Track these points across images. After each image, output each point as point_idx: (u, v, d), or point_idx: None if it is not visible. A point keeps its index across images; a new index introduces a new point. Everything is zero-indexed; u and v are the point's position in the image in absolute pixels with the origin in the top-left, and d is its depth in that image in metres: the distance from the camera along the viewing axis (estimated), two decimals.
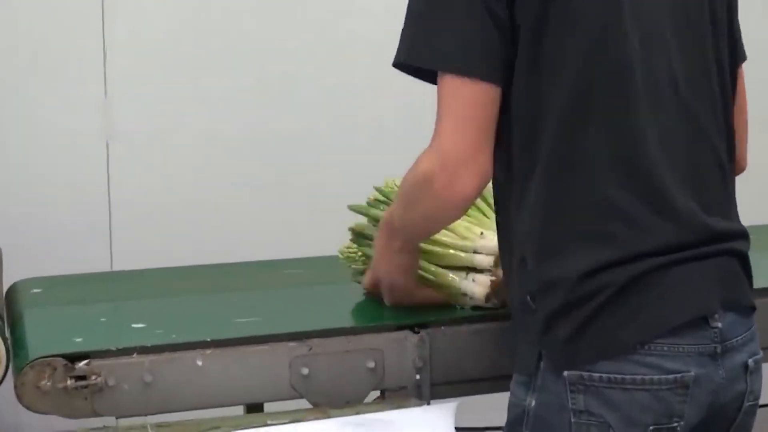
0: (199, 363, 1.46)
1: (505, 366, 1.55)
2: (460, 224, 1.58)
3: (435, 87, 1.33)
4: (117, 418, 1.51)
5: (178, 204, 2.46)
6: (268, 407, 1.58)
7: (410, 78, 1.38)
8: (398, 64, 1.35)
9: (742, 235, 1.40)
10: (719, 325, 1.31)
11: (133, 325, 1.61)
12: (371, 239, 1.64)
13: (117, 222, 2.41)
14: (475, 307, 1.60)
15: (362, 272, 1.69)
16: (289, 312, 1.63)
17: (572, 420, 1.27)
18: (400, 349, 1.52)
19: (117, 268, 2.36)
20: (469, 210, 1.56)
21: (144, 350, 1.49)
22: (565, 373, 1.27)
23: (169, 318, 1.68)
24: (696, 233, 1.32)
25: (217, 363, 1.48)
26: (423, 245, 1.57)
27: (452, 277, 1.60)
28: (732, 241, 1.37)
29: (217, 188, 2.50)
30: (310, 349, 1.50)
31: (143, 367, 1.47)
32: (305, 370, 1.49)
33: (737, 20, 1.47)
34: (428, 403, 1.51)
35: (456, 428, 1.38)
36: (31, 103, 2.43)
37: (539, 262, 1.31)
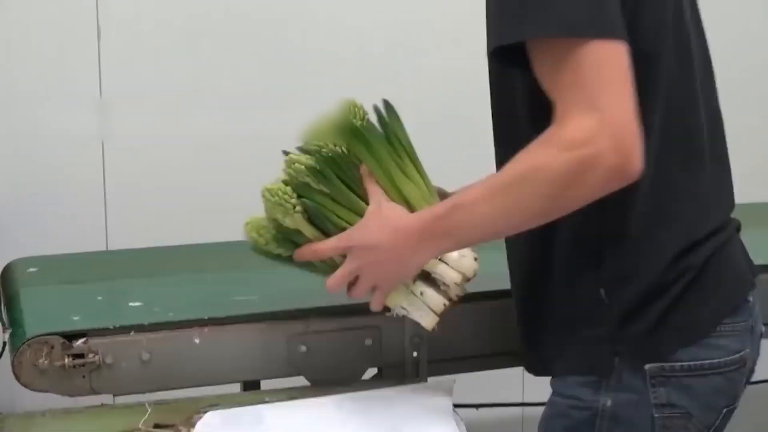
0: (197, 341, 1.47)
1: (500, 343, 1.57)
2: None
3: None
4: (115, 395, 1.52)
5: (173, 182, 2.44)
6: (265, 385, 1.59)
7: None
8: (501, 47, 1.16)
9: None
10: (752, 299, 1.33)
11: (130, 304, 1.61)
12: (315, 192, 1.34)
13: (112, 201, 2.40)
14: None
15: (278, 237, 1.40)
16: (287, 290, 1.62)
17: (654, 415, 1.24)
18: (398, 326, 1.51)
19: (112, 247, 2.36)
20: None
21: (141, 328, 1.49)
22: (646, 366, 1.24)
23: (166, 296, 1.68)
24: (729, 210, 1.36)
25: (214, 341, 1.49)
26: None
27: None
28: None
29: (215, 166, 2.48)
30: (308, 326, 1.51)
31: (141, 345, 1.47)
32: (303, 348, 1.50)
33: None
34: (425, 381, 1.51)
35: (453, 405, 1.38)
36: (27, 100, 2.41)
37: (616, 252, 1.26)
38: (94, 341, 1.47)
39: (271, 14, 2.48)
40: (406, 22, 2.56)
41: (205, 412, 1.35)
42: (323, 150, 1.32)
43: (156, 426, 1.32)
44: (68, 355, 1.45)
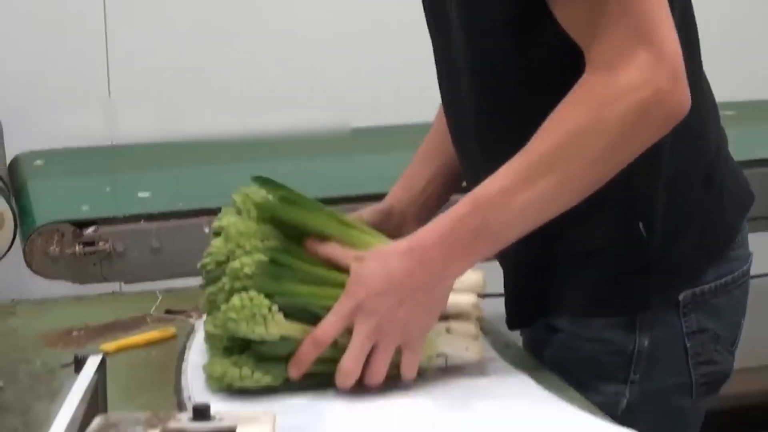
0: (206, 230, 1.47)
1: None
2: None
3: None
4: (125, 283, 1.53)
5: (180, 75, 2.42)
6: None
7: None
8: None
9: None
10: None
11: (139, 194, 1.62)
12: (284, 282, 1.05)
13: (116, 94, 2.39)
14: None
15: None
16: (295, 181, 1.63)
17: (687, 344, 1.18)
18: None
19: (117, 142, 2.36)
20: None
21: (151, 217, 1.51)
22: (681, 296, 1.17)
23: (174, 188, 1.70)
24: None
25: None
26: None
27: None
28: None
29: (221, 57, 2.45)
30: None
31: (150, 234, 1.49)
32: None
33: None
34: None
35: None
36: None
37: (651, 178, 1.15)
38: (105, 229, 1.49)
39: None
40: None
41: None
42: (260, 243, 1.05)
43: (167, 312, 1.33)
44: (79, 243, 1.47)
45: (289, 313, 1.02)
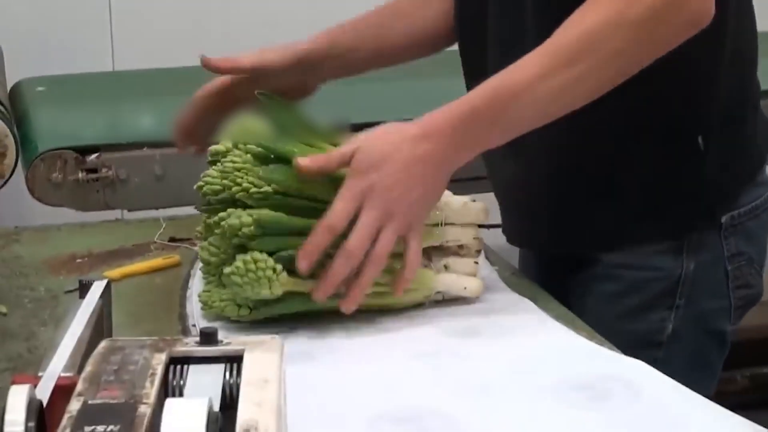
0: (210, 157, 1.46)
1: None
2: None
3: None
4: (129, 211, 1.53)
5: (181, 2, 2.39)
6: None
7: None
8: None
9: None
10: None
11: (142, 122, 1.61)
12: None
13: (118, 21, 2.36)
14: None
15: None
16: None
17: (728, 268, 1.20)
18: None
19: (120, 68, 2.33)
20: None
21: (154, 144, 1.50)
22: (724, 218, 1.18)
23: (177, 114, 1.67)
24: None
25: None
26: None
27: (422, 270, 1.09)
28: None
29: None
30: None
31: (154, 161, 1.48)
32: None
33: None
34: None
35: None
36: None
37: (712, 89, 1.15)
38: (107, 156, 1.48)
39: None
40: None
41: None
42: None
43: (171, 240, 1.33)
44: (82, 170, 1.47)
45: (293, 268, 1.00)
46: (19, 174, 1.55)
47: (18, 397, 0.66)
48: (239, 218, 1.00)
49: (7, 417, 0.66)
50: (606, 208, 1.18)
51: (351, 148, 1.01)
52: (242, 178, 1.02)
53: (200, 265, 1.12)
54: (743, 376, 2.36)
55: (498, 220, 1.30)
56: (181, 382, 0.67)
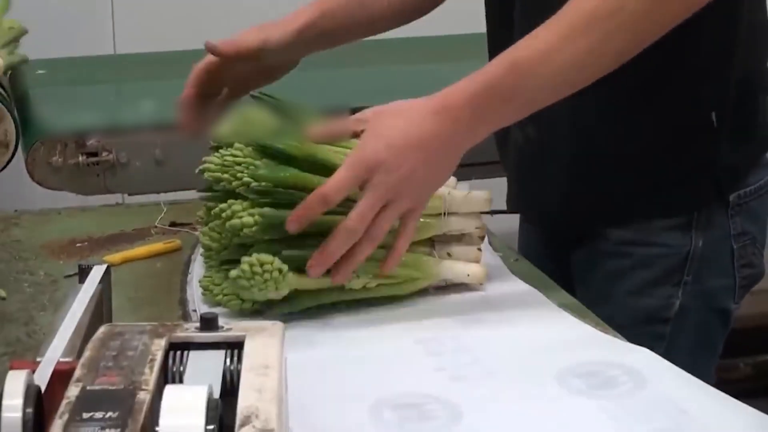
0: (212, 142, 1.46)
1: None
2: None
3: None
4: (129, 195, 1.53)
5: None
6: None
7: None
8: None
9: None
10: None
11: (142, 106, 1.60)
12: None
13: (119, 3, 2.35)
14: None
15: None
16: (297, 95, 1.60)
17: (734, 246, 1.21)
18: None
19: (120, 51, 2.32)
20: None
21: (155, 128, 1.49)
22: (732, 196, 1.19)
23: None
24: None
25: None
26: None
27: (426, 258, 1.09)
28: None
29: None
30: None
31: (155, 145, 1.48)
32: None
33: None
34: None
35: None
36: None
37: (728, 65, 1.16)
38: (108, 140, 1.48)
39: None
40: None
41: None
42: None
43: (172, 224, 1.32)
44: (82, 154, 1.47)
45: (300, 265, 0.99)
46: (19, 158, 1.54)
47: (16, 383, 0.66)
48: (240, 218, 0.99)
49: (5, 402, 0.65)
50: (619, 179, 1.19)
51: (364, 116, 1.00)
52: (242, 172, 1.00)
53: (201, 250, 1.12)
54: (746, 364, 2.37)
55: (501, 205, 1.31)
56: (181, 369, 0.67)
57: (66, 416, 0.60)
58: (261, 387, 0.64)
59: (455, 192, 1.11)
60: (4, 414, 0.65)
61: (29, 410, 0.66)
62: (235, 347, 0.68)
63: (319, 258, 0.97)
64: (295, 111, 1.09)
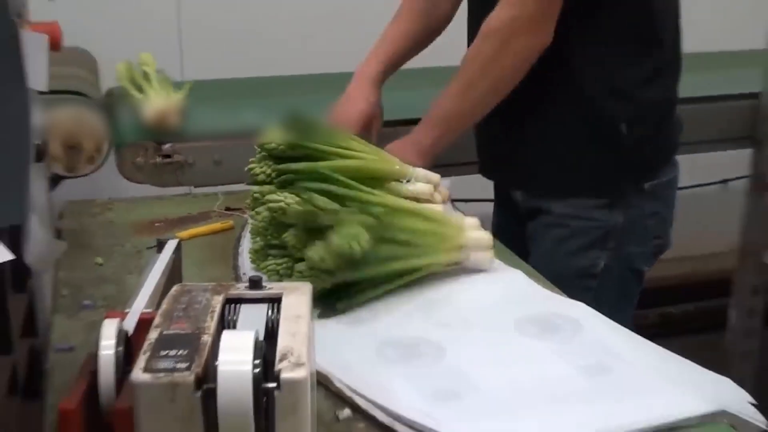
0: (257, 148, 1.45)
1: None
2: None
3: None
4: (194, 187, 1.52)
5: (239, 26, 2.17)
6: None
7: None
8: None
9: None
10: None
11: (204, 120, 1.58)
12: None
13: (186, 35, 2.25)
14: None
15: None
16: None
17: (650, 223, 1.23)
18: None
19: (186, 78, 2.26)
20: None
21: (214, 137, 1.49)
22: (647, 185, 1.22)
23: (231, 115, 1.63)
24: None
25: None
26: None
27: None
28: None
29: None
30: None
31: (214, 150, 1.48)
32: None
33: None
34: None
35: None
36: None
37: (635, 94, 1.19)
38: (178, 146, 1.47)
39: None
40: None
41: None
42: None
43: (227, 209, 1.33)
44: (159, 155, 1.46)
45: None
46: (112, 159, 1.53)
47: (110, 328, 0.67)
48: (277, 203, 0.97)
49: (102, 343, 0.66)
50: (553, 160, 1.22)
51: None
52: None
53: (248, 228, 1.11)
54: (654, 314, 2.38)
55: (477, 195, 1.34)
56: (235, 318, 0.67)
57: (148, 353, 0.60)
58: (294, 332, 0.64)
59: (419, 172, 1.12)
60: (101, 352, 0.65)
61: (120, 349, 0.66)
62: (274, 302, 0.68)
63: None
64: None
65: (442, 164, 1.22)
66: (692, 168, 1.63)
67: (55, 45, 0.92)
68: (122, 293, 1.02)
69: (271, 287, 0.70)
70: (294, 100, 1.71)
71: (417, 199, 1.07)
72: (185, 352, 0.60)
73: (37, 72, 0.78)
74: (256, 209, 1.04)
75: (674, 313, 2.43)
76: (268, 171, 1.04)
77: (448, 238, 1.02)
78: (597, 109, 1.17)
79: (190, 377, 0.57)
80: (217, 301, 0.67)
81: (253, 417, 0.58)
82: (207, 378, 0.58)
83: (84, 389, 0.65)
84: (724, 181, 2.37)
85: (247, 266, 1.06)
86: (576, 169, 1.20)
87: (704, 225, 2.25)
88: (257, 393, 0.58)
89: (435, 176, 1.12)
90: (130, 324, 0.69)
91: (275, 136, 1.04)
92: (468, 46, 1.28)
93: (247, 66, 2.00)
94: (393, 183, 1.07)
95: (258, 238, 1.04)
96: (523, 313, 0.94)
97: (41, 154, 0.94)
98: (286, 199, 0.97)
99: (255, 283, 0.70)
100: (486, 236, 1.05)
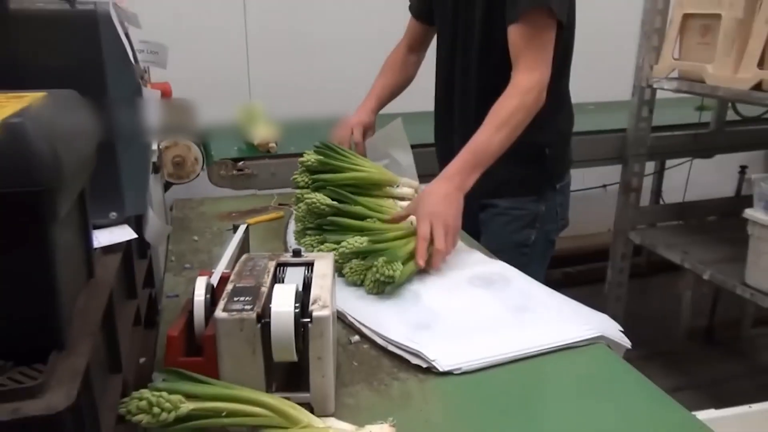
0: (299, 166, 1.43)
1: None
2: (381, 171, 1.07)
3: None
4: (258, 190, 1.51)
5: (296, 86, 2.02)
6: None
7: None
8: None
9: None
10: None
11: (269, 143, 1.55)
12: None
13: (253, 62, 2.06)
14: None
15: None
16: None
17: (559, 209, 1.22)
18: None
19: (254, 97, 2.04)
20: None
21: (271, 156, 1.48)
22: (558, 185, 1.21)
23: (291, 139, 1.59)
24: None
25: None
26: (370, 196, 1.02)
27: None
28: None
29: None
30: None
31: (270, 165, 1.47)
32: None
33: None
34: None
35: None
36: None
37: (553, 130, 1.18)
38: (248, 162, 1.46)
39: None
40: None
41: None
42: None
43: (279, 204, 1.31)
44: (235, 169, 1.45)
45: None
46: (204, 172, 1.52)
47: (201, 282, 0.66)
48: (314, 202, 0.97)
49: (196, 292, 0.65)
50: (501, 173, 1.14)
51: (412, 207, 0.98)
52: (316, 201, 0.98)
53: (293, 217, 1.11)
54: (558, 272, 2.37)
55: None
56: (283, 276, 0.67)
57: (225, 299, 0.60)
58: (322, 285, 0.63)
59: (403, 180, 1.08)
60: (195, 298, 0.65)
61: (208, 296, 0.65)
62: (309, 265, 0.68)
63: (431, 261, 0.92)
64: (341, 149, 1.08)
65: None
66: (584, 177, 1.63)
67: (166, 96, 0.91)
68: (210, 260, 1.01)
69: (307, 256, 0.70)
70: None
71: (403, 198, 1.06)
72: (250, 299, 0.60)
73: (152, 114, 0.77)
74: (298, 204, 1.04)
75: (571, 272, 2.42)
76: (306, 179, 1.04)
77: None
78: (530, 138, 1.12)
79: (253, 315, 0.57)
80: (272, 264, 0.67)
81: (294, 340, 0.57)
82: (264, 315, 0.58)
83: (184, 322, 0.65)
84: (604, 186, 2.37)
85: (291, 242, 1.06)
86: (516, 177, 1.18)
87: (591, 214, 2.25)
88: (297, 325, 0.58)
89: (415, 182, 1.11)
90: (214, 280, 0.69)
91: (311, 156, 1.04)
92: (437, 96, 1.25)
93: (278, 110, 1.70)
94: (387, 188, 1.06)
95: (299, 224, 1.04)
96: (473, 272, 0.93)
97: (157, 168, 0.94)
98: (317, 197, 0.98)
99: (296, 253, 0.70)
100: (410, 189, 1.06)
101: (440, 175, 1.01)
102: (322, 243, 0.97)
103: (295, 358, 0.58)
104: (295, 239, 1.04)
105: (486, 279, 0.91)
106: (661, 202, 2.32)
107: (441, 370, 0.70)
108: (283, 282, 0.66)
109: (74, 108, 0.54)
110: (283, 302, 0.58)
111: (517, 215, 1.20)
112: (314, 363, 0.59)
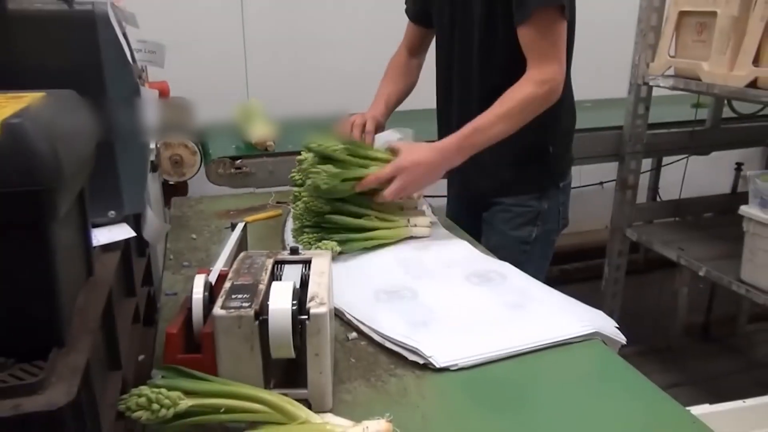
0: (297, 163, 1.42)
1: None
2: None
3: None
4: (256, 188, 1.51)
5: (292, 80, 2.01)
6: None
7: None
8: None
9: None
10: None
11: (267, 142, 1.56)
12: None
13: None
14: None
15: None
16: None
17: (560, 208, 1.22)
18: None
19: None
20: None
21: (269, 155, 1.48)
22: (561, 184, 1.21)
23: (289, 137, 1.58)
24: None
25: None
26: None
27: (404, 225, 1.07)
28: None
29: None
30: None
31: (269, 164, 1.47)
32: None
33: None
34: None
35: None
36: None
37: (557, 130, 1.18)
38: (245, 161, 1.46)
39: None
40: None
41: None
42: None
43: (277, 202, 1.31)
44: (233, 168, 1.45)
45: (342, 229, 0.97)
46: (202, 169, 1.52)
47: (200, 280, 0.66)
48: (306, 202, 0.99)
49: (194, 290, 0.65)
50: (506, 172, 1.19)
51: (397, 146, 1.02)
52: (315, 175, 0.98)
53: (291, 215, 1.11)
54: (556, 269, 2.38)
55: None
56: (280, 273, 0.67)
57: (223, 297, 0.60)
58: (319, 282, 0.64)
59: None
60: (194, 296, 0.65)
61: (206, 294, 0.66)
62: (307, 263, 0.68)
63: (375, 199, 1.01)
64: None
65: None
66: (581, 174, 1.63)
67: (164, 95, 0.91)
68: (208, 258, 1.01)
69: (305, 253, 0.70)
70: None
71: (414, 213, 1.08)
72: (248, 296, 0.60)
73: (150, 113, 0.77)
74: (296, 203, 1.04)
75: (568, 269, 2.43)
76: (304, 177, 1.03)
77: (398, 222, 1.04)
78: (534, 136, 1.15)
79: (251, 312, 0.58)
80: (269, 262, 0.67)
81: (292, 337, 0.58)
82: (262, 312, 0.58)
83: (182, 319, 0.65)
84: (601, 183, 2.37)
85: (289, 239, 1.06)
86: (520, 176, 1.19)
87: (588, 211, 2.25)
88: (294, 322, 0.58)
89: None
90: (213, 277, 0.69)
91: (305, 155, 1.04)
92: (438, 97, 1.26)
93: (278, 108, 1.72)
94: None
95: (296, 221, 1.04)
96: (469, 269, 0.93)
97: (155, 167, 0.94)
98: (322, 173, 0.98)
99: (294, 251, 0.70)
100: (426, 220, 1.07)
101: (435, 145, 1.04)
102: (319, 241, 0.98)
103: (292, 354, 0.58)
104: (293, 237, 1.04)
105: (483, 276, 0.91)
106: (658, 199, 2.33)
107: (438, 366, 0.70)
108: (280, 279, 0.66)
109: (73, 108, 0.54)
110: (280, 299, 0.58)
111: (519, 212, 1.21)
112: (312, 360, 0.59)
